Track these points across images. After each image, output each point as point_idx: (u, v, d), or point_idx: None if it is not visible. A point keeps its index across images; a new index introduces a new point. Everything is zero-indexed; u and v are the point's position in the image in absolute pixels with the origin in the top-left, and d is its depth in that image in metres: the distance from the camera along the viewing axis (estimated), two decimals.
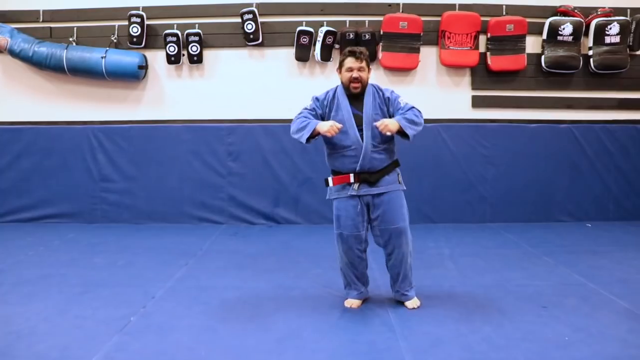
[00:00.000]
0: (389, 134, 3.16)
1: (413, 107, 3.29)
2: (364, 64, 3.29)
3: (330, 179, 3.36)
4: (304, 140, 3.21)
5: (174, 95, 5.99)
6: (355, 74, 3.26)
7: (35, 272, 4.17)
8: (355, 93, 3.30)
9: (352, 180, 3.28)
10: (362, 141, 3.24)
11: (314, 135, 3.20)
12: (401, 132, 3.19)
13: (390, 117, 3.30)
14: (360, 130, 3.26)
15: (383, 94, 3.36)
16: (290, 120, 5.85)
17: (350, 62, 3.27)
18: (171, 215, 5.96)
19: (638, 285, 3.79)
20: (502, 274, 4.09)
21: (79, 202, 6.00)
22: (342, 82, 3.36)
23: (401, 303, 3.41)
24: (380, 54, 5.71)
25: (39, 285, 3.84)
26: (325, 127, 3.14)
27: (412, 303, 3.38)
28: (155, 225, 5.86)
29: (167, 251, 4.78)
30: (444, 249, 4.83)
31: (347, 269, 3.42)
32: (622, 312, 3.30)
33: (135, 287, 3.79)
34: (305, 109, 3.37)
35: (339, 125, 3.16)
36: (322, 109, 3.36)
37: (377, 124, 3.16)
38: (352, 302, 3.42)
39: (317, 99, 3.40)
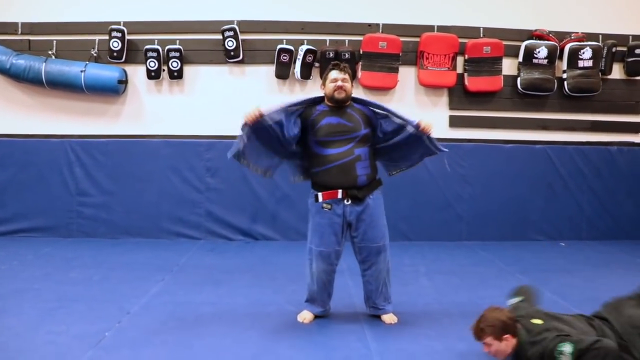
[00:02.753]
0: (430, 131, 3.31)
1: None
2: (347, 77, 3.36)
3: (320, 195, 3.31)
4: (239, 146, 3.39)
5: (153, 110, 5.99)
6: (339, 83, 3.32)
7: (8, 286, 4.10)
8: (339, 100, 3.33)
9: (340, 195, 3.28)
10: (353, 154, 3.27)
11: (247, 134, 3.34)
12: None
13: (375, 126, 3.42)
14: (349, 142, 3.28)
15: (368, 108, 3.45)
16: None
17: (334, 73, 3.35)
18: (148, 230, 5.92)
19: None
20: (477, 291, 4.14)
21: (55, 216, 5.93)
22: (326, 95, 3.39)
23: (377, 317, 3.43)
24: (359, 73, 5.79)
25: (12, 300, 3.78)
26: (248, 114, 3.32)
27: (389, 318, 3.41)
28: (132, 240, 5.82)
29: (144, 266, 4.75)
30: (420, 266, 4.87)
31: (320, 286, 3.41)
32: None
33: (111, 302, 3.76)
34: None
35: (257, 113, 3.32)
36: (301, 118, 3.40)
37: (422, 123, 3.32)
38: (307, 317, 3.44)
39: (287, 104, 3.42)
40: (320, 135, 3.31)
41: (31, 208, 5.91)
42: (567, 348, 2.43)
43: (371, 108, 3.44)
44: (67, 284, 4.21)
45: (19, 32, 5.88)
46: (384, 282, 3.42)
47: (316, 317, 3.47)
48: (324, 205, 3.29)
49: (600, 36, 6.03)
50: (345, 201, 3.28)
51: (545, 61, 5.88)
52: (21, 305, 3.67)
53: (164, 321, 3.39)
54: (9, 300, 3.77)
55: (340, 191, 3.27)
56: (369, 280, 3.42)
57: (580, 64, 5.90)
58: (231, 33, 5.71)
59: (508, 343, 2.62)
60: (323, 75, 3.44)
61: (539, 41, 5.90)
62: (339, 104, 3.36)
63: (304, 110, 3.41)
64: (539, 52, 5.86)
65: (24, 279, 4.35)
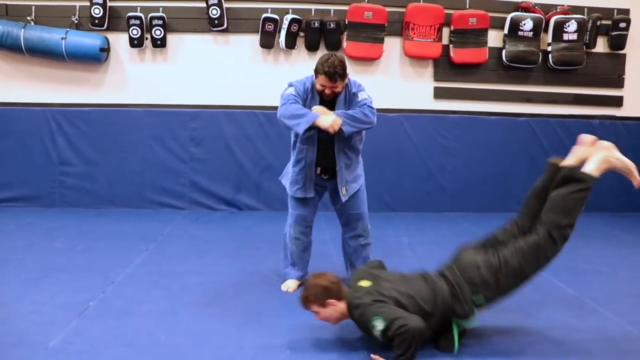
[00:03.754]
0: (332, 131, 3.12)
1: (365, 105, 3.27)
2: (337, 84, 3.20)
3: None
4: (301, 130, 3.12)
5: (136, 79, 5.91)
6: (327, 91, 3.23)
7: None
8: (327, 100, 3.30)
9: (319, 171, 3.41)
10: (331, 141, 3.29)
11: (312, 127, 3.14)
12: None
13: None
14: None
15: (350, 90, 3.34)
16: (253, 107, 5.88)
17: (323, 80, 3.19)
18: (132, 200, 5.90)
19: (584, 274, 3.99)
20: None
21: (37, 185, 5.88)
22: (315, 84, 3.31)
23: None
24: (344, 43, 5.75)
25: None
26: (328, 122, 3.08)
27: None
28: (115, 210, 5.80)
29: (128, 236, 4.75)
30: (403, 237, 4.93)
31: (299, 248, 3.55)
32: (569, 299, 3.45)
33: (95, 272, 3.77)
34: (291, 94, 3.25)
35: (340, 121, 3.12)
36: (303, 98, 3.29)
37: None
38: (291, 285, 3.53)
39: (296, 89, 3.28)
40: None
41: (13, 177, 5.86)
42: (378, 324, 2.48)
43: (351, 88, 3.37)
44: (51, 254, 4.21)
45: None
46: (362, 245, 3.56)
47: (300, 284, 3.52)
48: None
49: (586, 9, 6.04)
50: (322, 175, 3.43)
51: (530, 34, 5.88)
52: (5, 275, 3.67)
53: (149, 290, 3.42)
54: None
55: (319, 168, 3.40)
56: (349, 243, 3.56)
57: (565, 37, 5.91)
58: (215, 1, 5.62)
59: (335, 308, 2.66)
60: (315, 66, 3.23)
61: (524, 13, 5.89)
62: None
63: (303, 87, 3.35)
64: (524, 24, 5.85)
65: (6, 248, 4.34)
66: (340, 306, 2.66)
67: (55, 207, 5.86)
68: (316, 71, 3.24)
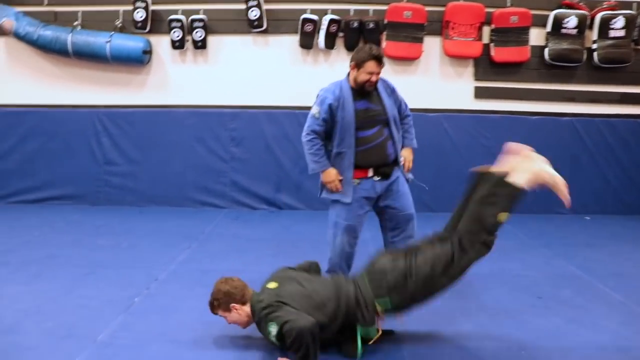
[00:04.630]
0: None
1: (406, 104, 3.51)
2: (381, 69, 3.27)
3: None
4: (310, 171, 3.41)
5: (178, 80, 6.03)
6: (374, 78, 3.25)
7: (41, 252, 4.25)
8: (367, 91, 3.31)
9: (370, 174, 3.35)
10: (384, 134, 3.34)
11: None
12: None
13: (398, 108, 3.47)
14: (381, 124, 3.32)
15: (387, 84, 3.43)
16: (292, 107, 5.92)
17: (372, 66, 3.21)
18: (174, 198, 6.02)
19: (632, 279, 3.87)
20: (499, 264, 4.14)
21: (83, 184, 6.06)
22: (354, 79, 3.30)
23: None
24: (384, 43, 5.73)
25: (45, 265, 3.93)
26: (328, 179, 3.32)
27: None
28: (158, 209, 5.92)
29: (170, 234, 4.85)
30: None
31: (342, 258, 3.47)
32: (616, 304, 3.37)
33: (139, 268, 3.86)
34: (315, 118, 3.30)
35: (340, 188, 3.31)
36: (332, 112, 3.29)
37: (405, 164, 3.47)
38: None
39: (325, 97, 3.30)
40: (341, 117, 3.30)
41: (60, 176, 6.05)
42: (272, 329, 2.48)
43: (387, 83, 3.44)
44: (97, 251, 4.34)
45: (45, 3, 5.93)
46: None
47: None
48: (353, 180, 3.34)
49: (634, 4, 5.86)
50: (374, 178, 3.35)
51: (574, 31, 5.75)
52: (54, 270, 3.81)
53: (191, 287, 3.48)
54: (42, 266, 3.91)
55: (370, 170, 3.34)
56: (398, 247, 3.44)
57: (612, 33, 5.74)
58: (255, 2, 5.68)
59: (239, 312, 2.67)
60: (358, 57, 3.25)
61: (568, 10, 5.76)
62: (361, 89, 3.33)
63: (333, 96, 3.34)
64: (568, 21, 5.73)
65: (55, 244, 4.49)
66: (244, 310, 2.68)
67: (100, 205, 6.02)
68: (361, 60, 3.23)
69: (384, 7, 5.72)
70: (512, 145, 2.76)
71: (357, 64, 3.26)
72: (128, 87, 6.04)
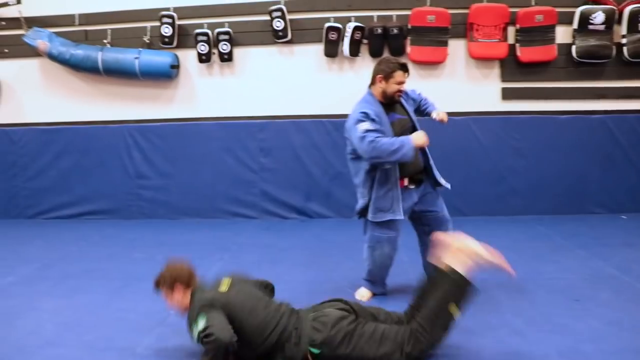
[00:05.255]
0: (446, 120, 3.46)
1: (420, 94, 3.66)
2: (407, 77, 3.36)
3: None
4: (409, 159, 3.17)
5: (205, 93, 6.12)
6: (403, 87, 3.33)
7: (78, 266, 4.36)
8: (396, 101, 3.37)
9: (406, 183, 3.37)
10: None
11: None
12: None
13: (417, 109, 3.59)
14: (409, 131, 3.33)
15: (406, 92, 3.51)
16: (319, 116, 5.95)
17: (401, 75, 3.27)
18: (205, 210, 6.10)
19: None
20: (533, 266, 4.10)
21: (117, 199, 6.19)
22: (382, 92, 3.32)
23: None
24: (408, 48, 5.73)
25: (83, 279, 4.02)
26: (422, 139, 3.21)
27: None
28: (190, 221, 6.01)
29: (203, 246, 4.91)
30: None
31: (383, 270, 3.51)
32: None
33: None
34: (371, 131, 3.17)
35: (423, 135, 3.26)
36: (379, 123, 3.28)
37: (438, 117, 3.46)
38: (366, 294, 3.54)
39: (366, 113, 3.24)
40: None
41: (94, 192, 6.20)
42: (200, 323, 2.44)
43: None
44: (132, 264, 4.42)
45: (76, 23, 6.10)
46: None
47: (374, 294, 3.54)
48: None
49: None
50: (410, 186, 3.38)
51: (602, 27, 5.65)
52: (91, 284, 3.89)
53: None
54: (80, 280, 4.00)
55: (406, 180, 3.36)
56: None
57: None
58: (279, 13, 5.74)
59: (180, 295, 2.67)
60: (385, 68, 3.28)
61: (595, 6, 5.67)
62: (391, 102, 3.37)
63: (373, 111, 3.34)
64: (595, 17, 5.64)
65: (92, 259, 4.60)
66: (186, 296, 2.67)
67: (134, 218, 6.14)
68: (390, 71, 3.26)
69: (407, 12, 5.73)
70: (437, 237, 2.78)
71: (386, 76, 3.28)
72: (157, 101, 6.16)
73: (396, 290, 3.60)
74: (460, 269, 2.59)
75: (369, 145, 3.12)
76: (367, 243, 3.49)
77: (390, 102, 3.35)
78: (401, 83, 3.27)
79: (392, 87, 3.29)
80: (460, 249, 2.64)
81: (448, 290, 2.57)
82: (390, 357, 2.48)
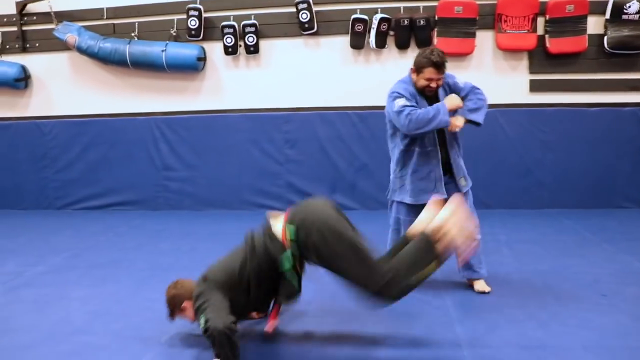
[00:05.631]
0: (457, 130, 3.24)
1: (473, 87, 3.34)
2: (442, 75, 3.26)
3: None
4: (445, 123, 3.18)
5: (231, 85, 6.15)
6: (433, 84, 3.26)
7: (106, 256, 4.45)
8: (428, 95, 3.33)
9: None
10: (445, 140, 3.36)
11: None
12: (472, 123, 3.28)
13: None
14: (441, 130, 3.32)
15: (448, 84, 3.38)
16: (345, 108, 5.94)
17: (431, 72, 3.22)
18: (231, 201, 6.16)
19: None
20: (559, 260, 4.05)
21: (143, 190, 6.29)
22: (414, 82, 3.33)
23: (459, 287, 3.48)
24: (435, 40, 5.68)
25: (110, 269, 4.10)
26: (454, 101, 3.19)
27: (481, 286, 3.41)
28: (215, 212, 6.07)
29: (229, 237, 4.87)
30: (500, 235, 4.81)
31: None
32: None
33: (200, 271, 3.88)
34: (407, 106, 3.21)
35: (458, 99, 3.22)
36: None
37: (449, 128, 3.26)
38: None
39: (406, 98, 3.26)
40: None
41: (122, 183, 6.31)
42: (201, 321, 2.47)
43: (448, 82, 3.39)
44: (159, 254, 4.49)
45: (105, 17, 6.19)
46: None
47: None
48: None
49: None
50: (462, 182, 3.43)
51: (636, 16, 5.51)
52: (119, 274, 3.97)
53: None
54: (108, 269, 4.08)
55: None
56: None
57: None
58: (305, 5, 5.73)
59: (190, 308, 2.68)
60: (418, 62, 3.26)
61: None
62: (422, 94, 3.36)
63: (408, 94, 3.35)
64: (629, 6, 5.50)
65: (119, 249, 4.68)
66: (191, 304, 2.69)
67: (160, 209, 6.22)
68: (420, 66, 3.24)
69: (434, 4, 5.67)
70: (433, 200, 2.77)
71: (417, 69, 3.28)
72: (184, 94, 6.22)
73: None
74: (443, 243, 2.53)
75: (406, 118, 3.16)
76: (393, 226, 3.54)
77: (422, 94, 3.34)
78: (430, 80, 3.23)
79: (421, 82, 3.28)
80: (455, 225, 2.57)
81: (424, 252, 2.55)
82: (361, 282, 2.51)
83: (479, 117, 3.27)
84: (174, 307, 2.75)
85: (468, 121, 3.27)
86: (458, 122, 3.22)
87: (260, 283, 2.65)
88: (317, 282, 3.66)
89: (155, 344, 2.78)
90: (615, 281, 3.56)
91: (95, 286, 3.72)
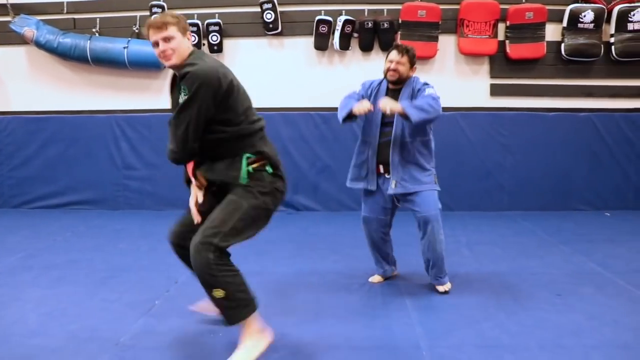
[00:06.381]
0: (387, 112, 3.17)
1: (430, 96, 3.28)
2: (404, 59, 3.36)
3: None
4: (340, 119, 3.38)
5: None
6: (393, 66, 3.35)
7: (63, 257, 4.33)
8: (392, 82, 3.40)
9: (382, 170, 3.44)
10: (391, 134, 3.37)
11: (350, 115, 3.32)
12: (405, 116, 3.20)
13: None
14: (390, 125, 3.37)
15: (415, 87, 3.40)
16: (308, 109, 5.96)
17: (393, 54, 3.38)
18: None
19: None
20: (517, 261, 4.14)
21: (103, 189, 6.15)
22: (384, 72, 3.45)
23: (419, 289, 3.54)
24: (398, 43, 5.73)
25: (68, 269, 3.99)
26: (359, 108, 3.23)
27: (443, 287, 3.48)
28: (176, 212, 5.82)
29: None
30: (461, 236, 4.88)
31: (370, 248, 3.66)
32: (638, 301, 3.33)
33: (159, 271, 3.91)
34: (353, 91, 3.53)
35: (368, 106, 3.22)
36: (366, 94, 3.47)
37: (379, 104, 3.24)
38: (374, 278, 3.68)
39: (364, 84, 3.54)
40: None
41: (81, 182, 6.15)
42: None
43: (416, 84, 3.43)
44: (118, 255, 4.40)
45: (65, 11, 6.03)
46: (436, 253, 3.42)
47: (386, 279, 3.69)
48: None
49: None
50: (385, 175, 3.43)
51: (591, 25, 5.69)
52: (76, 274, 3.87)
53: None
54: (65, 270, 3.97)
55: (381, 166, 3.43)
56: (424, 250, 3.45)
57: (630, 27, 5.68)
58: (269, 5, 5.71)
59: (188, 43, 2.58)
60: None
61: (584, 5, 5.70)
62: (393, 84, 3.42)
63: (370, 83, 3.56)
64: (584, 16, 5.67)
65: (77, 249, 4.57)
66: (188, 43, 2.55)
67: (120, 209, 6.11)
68: (387, 52, 3.45)
69: (398, 7, 5.72)
70: None
71: (387, 55, 3.44)
72: (146, 92, 6.11)
73: (382, 284, 3.64)
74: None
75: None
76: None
77: (393, 88, 3.42)
78: (391, 61, 3.35)
79: (385, 65, 3.42)
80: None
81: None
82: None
83: (414, 113, 3.14)
84: (181, 22, 2.57)
85: (404, 116, 3.20)
86: (388, 104, 3.15)
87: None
88: (276, 282, 3.67)
89: (112, 346, 2.72)
90: (571, 281, 3.66)
91: (51, 287, 3.61)
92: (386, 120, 3.38)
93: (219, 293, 2.45)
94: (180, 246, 2.77)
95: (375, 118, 3.39)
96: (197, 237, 2.46)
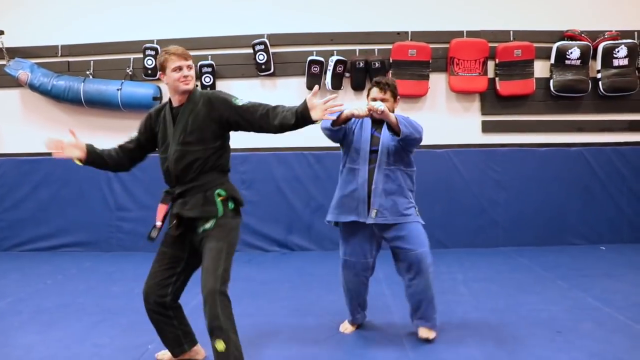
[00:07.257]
0: (376, 115, 3.10)
1: (414, 121, 3.27)
2: (387, 95, 3.29)
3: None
4: (328, 124, 3.16)
5: None
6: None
7: (54, 300, 4.25)
8: (377, 120, 3.27)
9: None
10: (375, 162, 3.24)
11: (343, 121, 3.18)
12: (395, 127, 3.16)
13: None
14: (375, 151, 3.27)
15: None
16: (301, 149, 5.97)
17: (374, 92, 3.31)
18: None
19: None
20: (515, 298, 4.10)
21: (96, 231, 6.09)
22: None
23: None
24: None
25: (58, 313, 3.92)
26: (358, 109, 3.10)
27: (425, 332, 3.28)
28: None
29: None
30: (457, 274, 4.84)
31: (347, 295, 3.47)
32: (638, 336, 3.29)
33: None
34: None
35: (383, 107, 3.08)
36: (350, 125, 3.32)
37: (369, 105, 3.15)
38: (347, 327, 3.50)
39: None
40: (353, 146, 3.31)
41: (73, 223, 6.10)
42: None
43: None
44: (110, 298, 4.33)
45: (59, 54, 6.10)
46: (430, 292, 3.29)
47: (358, 327, 3.52)
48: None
49: (636, 33, 5.91)
50: (374, 212, 3.23)
51: (578, 62, 5.79)
52: (67, 318, 3.80)
53: (205, 333, 3.44)
54: (55, 314, 3.90)
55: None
56: (415, 292, 3.28)
57: (615, 62, 5.79)
58: (262, 47, 5.80)
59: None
60: (368, 88, 3.42)
61: (571, 42, 5.82)
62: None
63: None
64: (571, 52, 5.78)
65: (69, 292, 4.49)
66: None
67: (113, 251, 6.04)
68: (368, 91, 3.37)
69: (389, 46, 5.82)
70: None
71: (367, 94, 3.38)
72: None
73: (377, 324, 3.57)
74: None
75: None
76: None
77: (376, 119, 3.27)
78: (374, 99, 3.27)
79: (368, 103, 3.27)
80: None
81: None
82: None
83: (403, 126, 3.12)
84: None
85: (392, 130, 3.18)
86: (376, 105, 3.09)
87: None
88: (270, 325, 3.60)
89: None
90: (570, 317, 3.62)
91: (40, 332, 3.53)
92: (372, 148, 3.27)
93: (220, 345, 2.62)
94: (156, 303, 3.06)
95: (363, 145, 3.27)
96: (209, 285, 2.76)
